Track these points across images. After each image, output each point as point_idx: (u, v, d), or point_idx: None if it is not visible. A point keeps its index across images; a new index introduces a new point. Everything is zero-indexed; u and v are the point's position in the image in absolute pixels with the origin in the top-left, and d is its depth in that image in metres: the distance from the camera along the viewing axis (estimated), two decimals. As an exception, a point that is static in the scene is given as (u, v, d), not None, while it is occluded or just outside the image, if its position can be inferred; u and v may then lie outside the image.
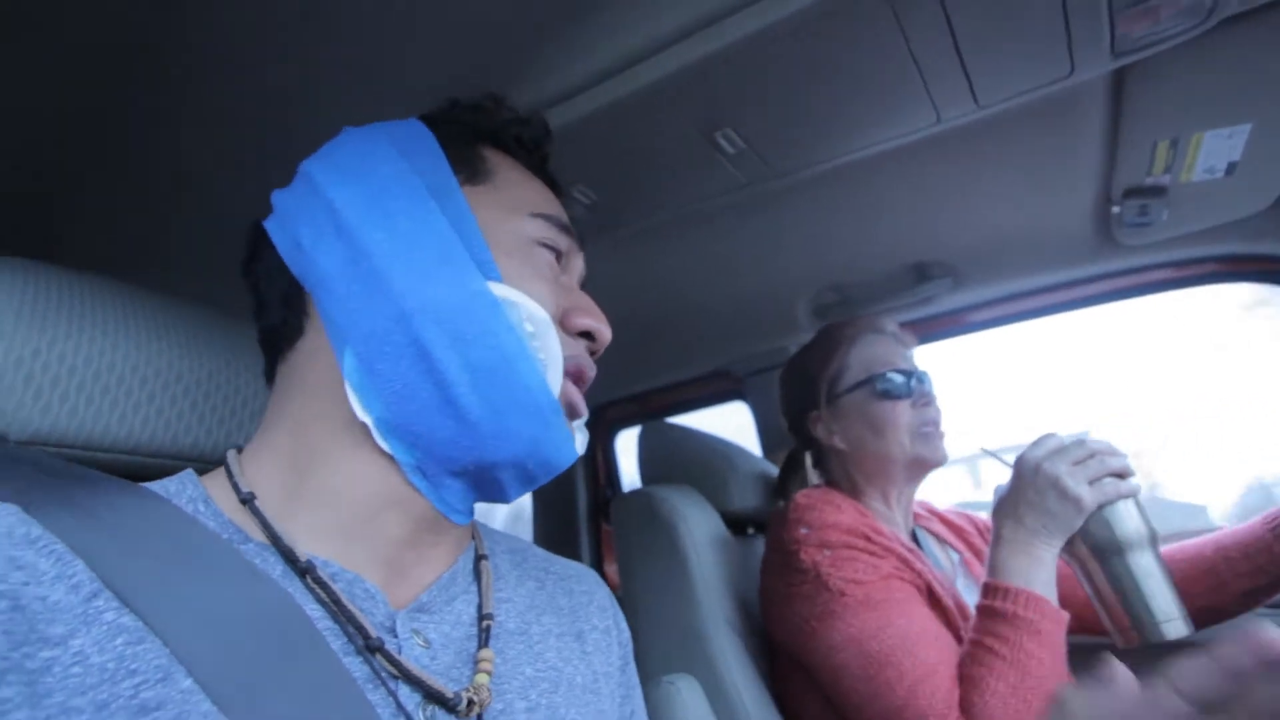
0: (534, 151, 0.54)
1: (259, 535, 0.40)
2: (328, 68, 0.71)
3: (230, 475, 0.42)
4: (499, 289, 0.42)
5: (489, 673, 0.41)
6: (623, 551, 1.01)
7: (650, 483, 1.17)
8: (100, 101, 0.72)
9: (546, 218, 0.48)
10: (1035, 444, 0.85)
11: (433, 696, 0.38)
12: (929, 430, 0.99)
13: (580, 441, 0.47)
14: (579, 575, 0.58)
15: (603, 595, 0.57)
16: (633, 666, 0.56)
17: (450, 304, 0.40)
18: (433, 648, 0.41)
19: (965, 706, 0.73)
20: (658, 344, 1.57)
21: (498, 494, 0.45)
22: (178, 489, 0.41)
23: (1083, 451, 0.81)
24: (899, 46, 0.71)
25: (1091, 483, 0.79)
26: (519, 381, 0.41)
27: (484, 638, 0.43)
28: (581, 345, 0.46)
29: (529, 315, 0.42)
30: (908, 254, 1.24)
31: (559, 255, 0.48)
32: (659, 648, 0.93)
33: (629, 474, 1.86)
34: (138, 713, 0.30)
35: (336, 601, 0.37)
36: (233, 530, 0.39)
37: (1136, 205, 1.02)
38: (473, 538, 0.52)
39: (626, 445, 1.89)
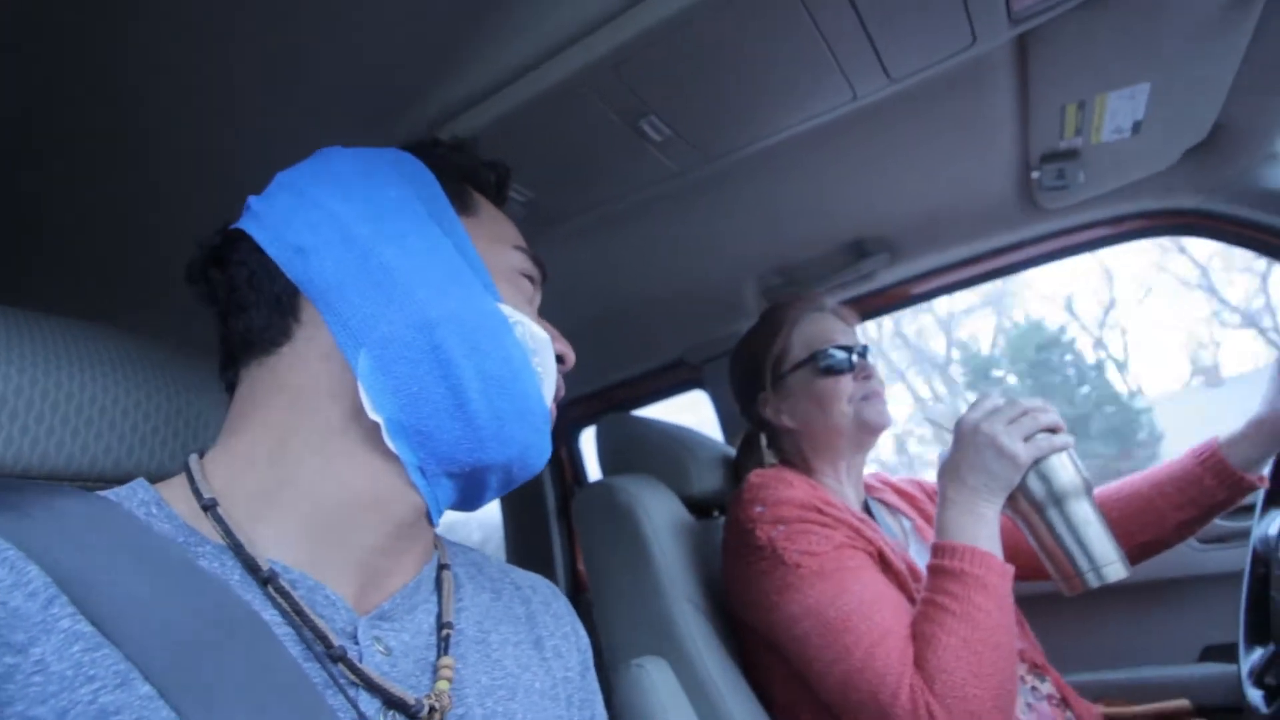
0: (500, 192, 0.59)
1: (216, 539, 0.39)
2: (244, 79, 0.70)
3: (191, 480, 0.42)
4: (505, 309, 0.47)
5: (449, 679, 0.42)
6: (586, 544, 1.02)
7: (611, 474, 1.17)
8: (39, 145, 0.70)
9: (524, 251, 0.54)
10: (973, 406, 0.88)
11: (393, 703, 0.39)
12: (871, 398, 1.02)
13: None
14: (535, 585, 0.59)
15: (559, 605, 0.59)
16: (593, 673, 0.58)
17: (468, 317, 0.44)
18: (393, 655, 0.42)
19: (920, 663, 0.76)
20: (613, 338, 1.58)
21: (479, 497, 0.48)
22: (128, 494, 0.41)
23: (1016, 410, 0.84)
24: (807, 26, 0.73)
25: (1026, 439, 0.83)
26: (522, 392, 0.45)
27: (444, 645, 0.45)
28: (556, 371, 0.51)
29: (531, 334, 0.47)
30: (846, 232, 1.27)
31: (534, 286, 0.55)
32: (628, 634, 0.93)
33: (595, 471, 1.87)
34: (97, 718, 0.30)
35: (297, 609, 0.38)
36: (187, 534, 0.39)
37: (1054, 169, 1.06)
38: (435, 548, 0.53)
39: (591, 442, 1.90)
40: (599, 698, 0.58)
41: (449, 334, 0.43)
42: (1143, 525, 0.94)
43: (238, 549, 0.39)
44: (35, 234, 0.85)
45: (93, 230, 0.86)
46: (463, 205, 0.51)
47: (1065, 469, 0.83)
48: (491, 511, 2.02)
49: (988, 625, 0.76)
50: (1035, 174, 1.08)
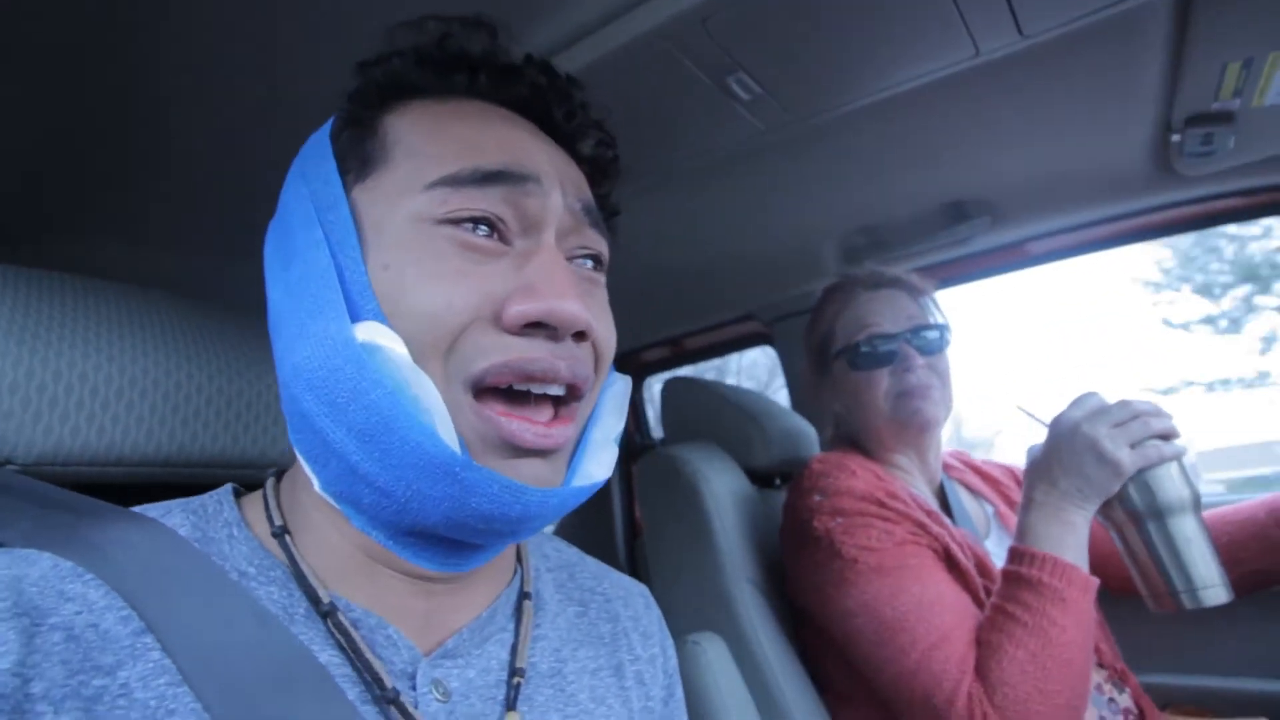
0: (472, 70, 0.42)
1: (286, 564, 0.38)
2: (316, 27, 0.67)
3: (266, 504, 0.41)
4: (365, 330, 0.34)
5: None
6: (647, 513, 1.02)
7: (673, 439, 1.16)
8: (96, 95, 0.70)
9: (451, 180, 0.37)
10: (1074, 403, 0.81)
11: None
12: (906, 395, 0.94)
13: (604, 462, 0.41)
14: (627, 597, 0.54)
15: (650, 620, 0.54)
16: (679, 694, 0.54)
17: (316, 365, 0.35)
18: (452, 699, 0.38)
19: (982, 672, 0.73)
20: (684, 289, 1.53)
21: (475, 549, 0.40)
22: (215, 509, 0.40)
23: (1125, 413, 0.77)
24: (930, -25, 0.63)
25: (1134, 445, 0.75)
26: (405, 441, 0.34)
27: (512, 697, 0.40)
28: (532, 341, 0.36)
29: (392, 360, 0.34)
30: (943, 193, 1.16)
31: (494, 222, 0.38)
32: (685, 607, 0.94)
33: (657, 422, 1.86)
34: None
35: (354, 648, 0.36)
36: (263, 558, 0.38)
37: (1200, 134, 0.93)
38: (519, 562, 0.48)
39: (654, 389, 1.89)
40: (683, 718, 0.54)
41: (304, 392, 0.35)
42: (1254, 553, 0.86)
43: (300, 579, 0.38)
44: (121, 192, 0.87)
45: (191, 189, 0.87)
46: (363, 163, 0.39)
47: (1173, 481, 0.75)
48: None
49: (1061, 642, 0.72)
50: (1176, 137, 0.95)
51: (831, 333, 1.01)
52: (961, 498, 1.05)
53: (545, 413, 0.38)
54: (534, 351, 0.36)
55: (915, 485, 0.98)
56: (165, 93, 0.73)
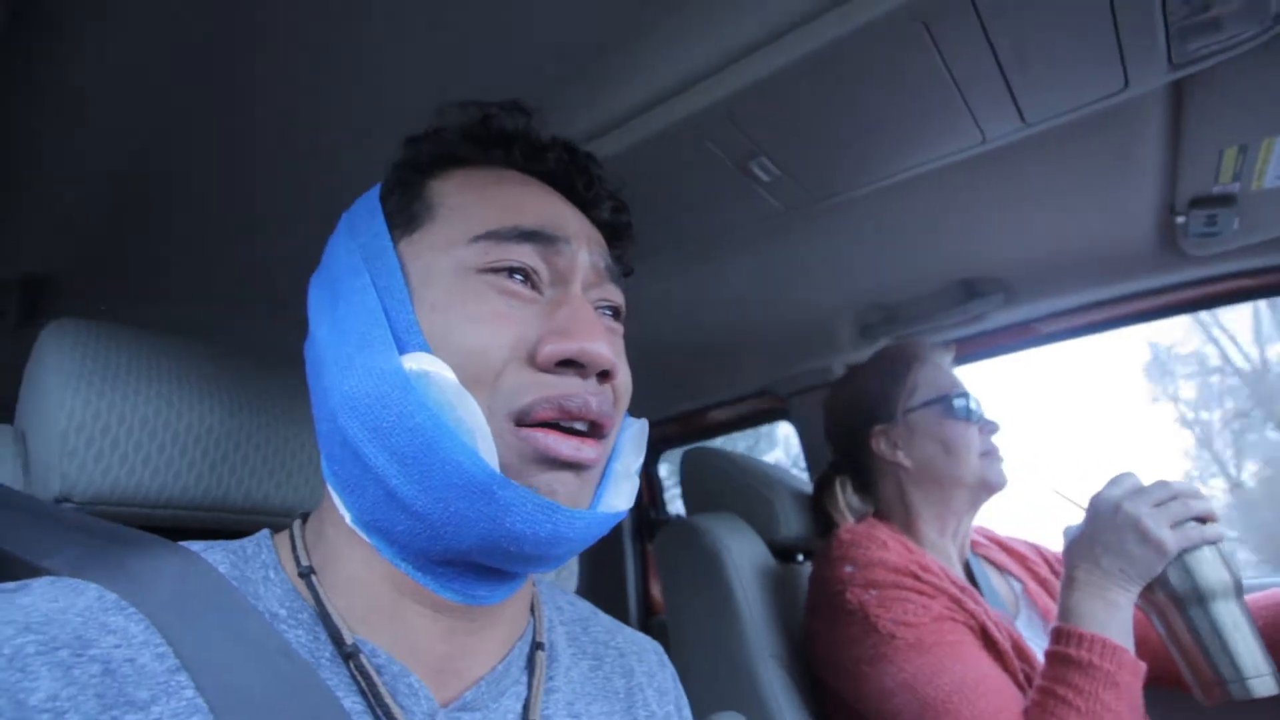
0: (509, 145, 0.48)
1: (313, 606, 0.39)
2: (357, 120, 0.73)
3: (294, 546, 0.42)
4: (413, 360, 0.37)
5: None
6: (667, 584, 1.00)
7: (694, 510, 1.16)
8: (153, 155, 0.76)
9: (492, 235, 0.41)
10: (1113, 482, 0.81)
11: None
12: (993, 454, 0.97)
13: (625, 493, 0.43)
14: (641, 653, 0.54)
15: (665, 677, 0.54)
16: None
17: (364, 393, 0.37)
18: None
19: None
20: (700, 364, 1.56)
21: (510, 572, 0.42)
22: (254, 551, 0.42)
23: (1165, 493, 0.76)
24: (937, 69, 0.69)
25: (1174, 526, 0.75)
26: (447, 461, 0.36)
27: None
28: (566, 379, 0.39)
29: (442, 383, 0.37)
30: (956, 270, 1.20)
31: (529, 272, 0.41)
32: (707, 684, 0.91)
33: (675, 495, 1.85)
34: None
35: (376, 694, 0.37)
36: (294, 600, 0.39)
37: (1203, 215, 0.96)
38: (532, 614, 0.49)
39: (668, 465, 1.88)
40: None
41: (349, 420, 0.37)
42: None
43: (325, 619, 0.38)
44: (166, 256, 0.92)
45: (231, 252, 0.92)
46: (409, 219, 0.43)
47: (1214, 564, 0.74)
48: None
49: None
50: (1180, 219, 0.99)
51: (916, 384, 1.01)
52: (989, 575, 1.03)
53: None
54: (568, 388, 0.39)
55: (947, 557, 0.96)
56: (223, 169, 0.79)
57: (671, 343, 1.47)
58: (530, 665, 0.45)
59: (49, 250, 0.99)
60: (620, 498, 0.43)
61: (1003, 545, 1.10)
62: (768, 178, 0.85)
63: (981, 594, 0.97)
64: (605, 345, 0.40)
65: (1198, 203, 0.95)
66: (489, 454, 0.37)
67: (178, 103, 0.70)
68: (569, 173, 0.49)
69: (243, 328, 1.06)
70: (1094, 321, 1.23)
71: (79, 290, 1.00)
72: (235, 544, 0.42)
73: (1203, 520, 0.76)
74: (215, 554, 0.40)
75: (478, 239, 0.41)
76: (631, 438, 0.47)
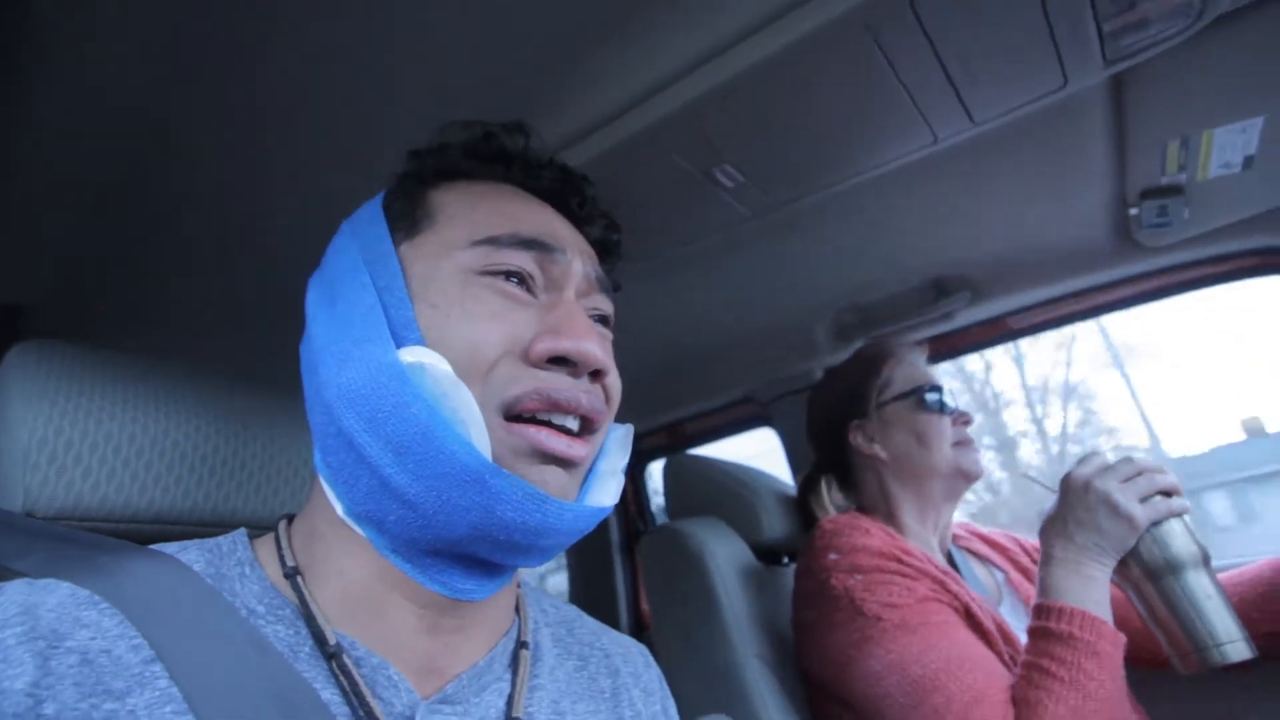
0: (508, 162, 0.50)
1: (296, 604, 0.40)
2: (337, 136, 0.75)
3: (279, 545, 0.43)
4: (410, 353, 0.39)
5: None
6: (652, 589, 1.01)
7: (677, 516, 1.16)
8: (131, 181, 0.77)
9: (492, 240, 0.43)
10: (1082, 461, 0.83)
11: None
12: (968, 444, 0.99)
13: (611, 490, 0.44)
14: (627, 654, 0.55)
15: (650, 678, 0.55)
16: None
17: (360, 385, 0.38)
18: None
19: None
20: (682, 374, 1.58)
21: (499, 564, 0.42)
22: (229, 548, 0.42)
23: (1131, 469, 0.79)
24: (885, 73, 0.71)
25: (1142, 500, 0.77)
26: (441, 450, 0.37)
27: None
28: (555, 374, 0.41)
29: (437, 374, 0.38)
30: (925, 271, 1.23)
31: (525, 277, 0.43)
32: (694, 688, 0.91)
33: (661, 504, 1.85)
34: None
35: (355, 689, 0.37)
36: (273, 597, 0.40)
37: (1154, 206, 1.00)
38: (517, 614, 0.50)
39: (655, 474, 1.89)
40: None
41: (345, 411, 0.39)
42: (1266, 614, 0.85)
43: (309, 619, 0.39)
44: (156, 281, 0.93)
45: (213, 278, 0.93)
46: (411, 224, 0.45)
47: (1183, 536, 0.77)
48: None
49: (1100, 696, 0.70)
50: (1134, 211, 1.02)
51: (890, 379, 1.03)
52: (971, 565, 1.04)
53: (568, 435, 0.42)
54: (559, 383, 0.41)
55: (928, 547, 0.98)
56: (198, 194, 0.80)
57: (651, 353, 1.48)
58: (514, 663, 0.46)
59: (27, 278, 0.99)
60: (606, 494, 0.44)
61: (984, 538, 1.11)
62: (731, 184, 0.87)
63: (964, 581, 0.98)
64: (595, 344, 0.42)
65: (1148, 194, 0.98)
66: (482, 444, 0.38)
67: (158, 127, 0.71)
68: (564, 191, 0.51)
69: (221, 349, 1.06)
70: (1058, 316, 1.26)
71: (58, 319, 1.01)
72: (211, 541, 0.42)
73: (1168, 494, 0.78)
74: (190, 553, 0.41)
75: (478, 243, 0.43)
76: (618, 439, 0.48)
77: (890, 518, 0.99)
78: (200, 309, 0.98)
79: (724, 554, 0.98)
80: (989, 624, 0.86)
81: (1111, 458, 0.82)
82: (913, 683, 0.77)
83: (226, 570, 0.40)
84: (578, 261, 0.46)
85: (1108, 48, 0.69)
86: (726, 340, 1.43)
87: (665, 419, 1.78)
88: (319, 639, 0.38)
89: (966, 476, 0.97)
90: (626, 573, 1.72)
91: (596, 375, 0.43)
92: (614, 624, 1.56)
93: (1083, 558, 0.78)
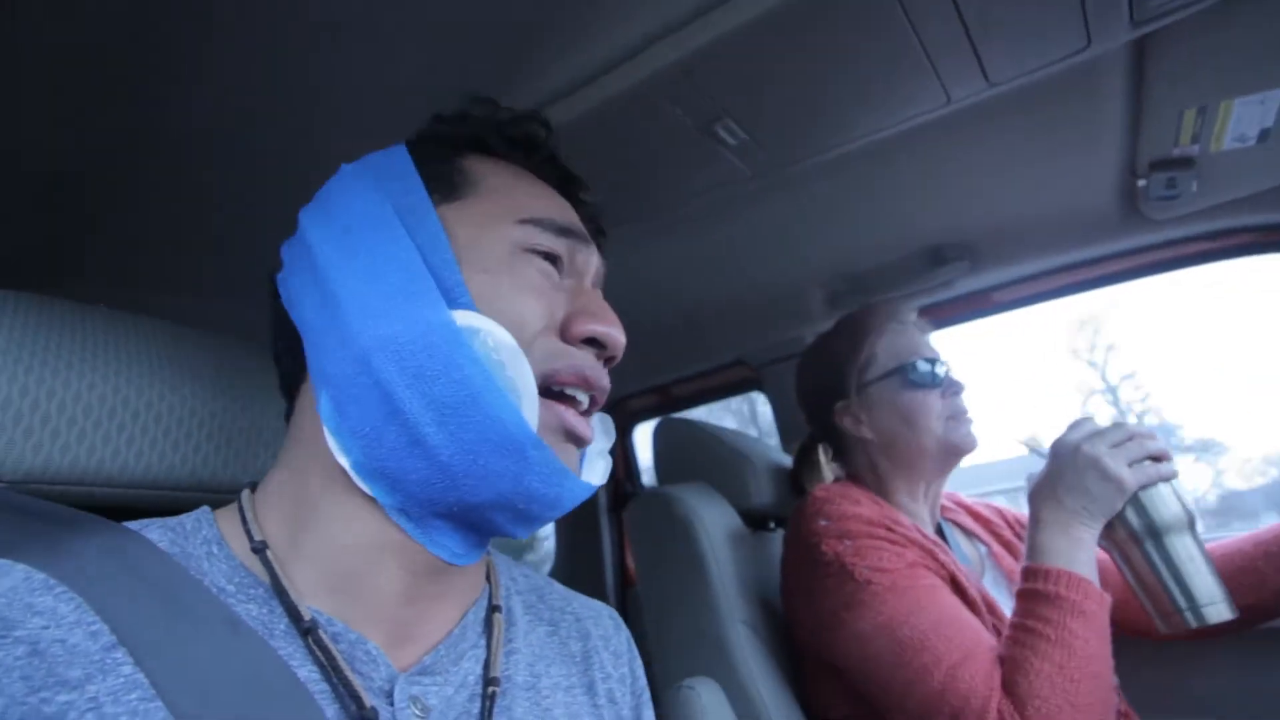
0: (531, 150, 0.52)
1: (267, 580, 0.39)
2: (318, 87, 0.70)
3: (244, 519, 0.41)
4: (464, 317, 0.39)
5: None
6: (639, 554, 1.00)
7: (666, 480, 1.16)
8: (115, 132, 0.72)
9: (537, 222, 0.45)
10: (1072, 426, 0.84)
11: None
12: (959, 417, 0.97)
13: (599, 470, 0.47)
14: (597, 617, 0.56)
15: (619, 640, 0.56)
16: (647, 712, 0.55)
17: (408, 339, 0.38)
18: (431, 716, 0.39)
19: (1009, 687, 0.72)
20: (673, 336, 1.56)
21: (498, 532, 0.43)
22: (194, 527, 0.41)
23: (1121, 434, 0.80)
24: (902, 27, 0.67)
25: (1130, 465, 0.78)
26: (489, 416, 0.38)
27: (488, 707, 0.41)
28: (586, 353, 0.44)
29: (495, 343, 0.39)
30: (923, 237, 1.21)
31: (557, 260, 0.46)
32: (679, 652, 0.92)
33: (649, 466, 1.85)
34: None
35: (334, 665, 0.37)
36: (243, 575, 0.39)
37: (1163, 178, 0.97)
38: (487, 581, 0.50)
39: (645, 438, 1.88)
40: None
41: (386, 362, 0.38)
42: (1242, 586, 0.85)
43: (281, 594, 0.38)
44: (128, 223, 0.88)
45: (183, 223, 0.88)
46: (450, 188, 0.45)
47: (1170, 500, 0.78)
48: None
49: (1085, 654, 0.71)
50: (1141, 182, 1.00)
51: (873, 356, 1.01)
52: (958, 539, 1.05)
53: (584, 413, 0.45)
54: (589, 360, 0.44)
55: (920, 519, 0.98)
56: (172, 143, 0.75)
57: (642, 315, 1.46)
58: (488, 628, 0.46)
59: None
60: (595, 474, 0.47)
61: (968, 509, 1.12)
62: (734, 141, 0.83)
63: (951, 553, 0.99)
64: (621, 332, 0.45)
65: (1158, 165, 0.96)
66: (531, 415, 0.40)
67: (132, 85, 0.66)
68: (571, 185, 0.54)
69: (197, 306, 1.02)
70: (1058, 286, 1.25)
71: (27, 269, 0.96)
72: (174, 520, 0.41)
73: (1157, 459, 0.79)
74: (153, 532, 0.39)
75: (525, 221, 0.45)
76: (604, 424, 0.51)
77: (881, 491, 0.99)
78: (177, 262, 0.94)
79: (713, 520, 0.97)
80: (975, 594, 0.87)
81: (1102, 423, 0.82)
82: (901, 643, 0.77)
83: (193, 549, 0.39)
84: (596, 256, 0.49)
85: (1136, 8, 0.65)
86: (718, 302, 1.40)
87: (655, 380, 1.76)
88: (293, 615, 0.37)
89: (957, 452, 0.96)
90: (613, 532, 1.73)
91: (608, 361, 0.46)
92: (599, 580, 1.57)
93: (1071, 520, 0.79)
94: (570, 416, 0.42)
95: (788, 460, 1.21)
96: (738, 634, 0.88)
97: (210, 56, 0.64)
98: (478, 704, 0.42)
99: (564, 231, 0.46)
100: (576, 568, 1.80)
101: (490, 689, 0.42)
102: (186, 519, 0.41)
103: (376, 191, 0.44)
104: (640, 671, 0.56)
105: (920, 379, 0.97)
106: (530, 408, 0.40)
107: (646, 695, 0.55)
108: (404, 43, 0.67)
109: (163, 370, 0.52)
